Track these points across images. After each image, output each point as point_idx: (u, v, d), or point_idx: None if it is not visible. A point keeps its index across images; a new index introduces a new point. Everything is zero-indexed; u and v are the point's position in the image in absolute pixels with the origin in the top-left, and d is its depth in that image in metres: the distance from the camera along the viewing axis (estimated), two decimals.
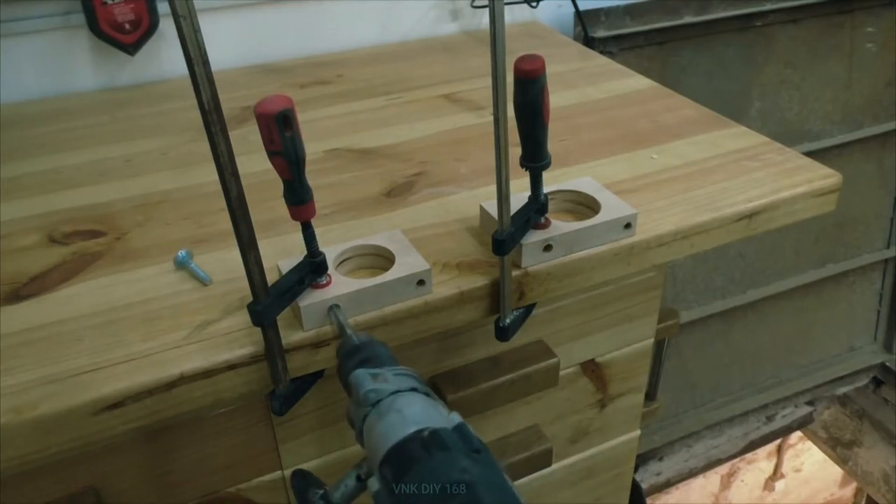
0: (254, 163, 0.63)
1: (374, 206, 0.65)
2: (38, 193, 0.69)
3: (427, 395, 0.42)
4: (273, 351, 0.49)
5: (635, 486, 1.38)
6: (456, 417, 0.39)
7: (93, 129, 0.81)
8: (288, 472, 0.62)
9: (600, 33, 1.15)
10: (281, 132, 0.43)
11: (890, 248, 1.68)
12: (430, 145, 0.76)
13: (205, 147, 0.42)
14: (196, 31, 0.38)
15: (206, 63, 0.39)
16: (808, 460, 2.18)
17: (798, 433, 1.88)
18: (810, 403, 1.75)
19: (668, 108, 0.82)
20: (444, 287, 0.54)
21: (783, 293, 1.59)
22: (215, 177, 0.43)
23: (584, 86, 0.88)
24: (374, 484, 0.38)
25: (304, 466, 0.63)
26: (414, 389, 0.41)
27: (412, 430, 0.38)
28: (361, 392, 0.42)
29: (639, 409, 0.83)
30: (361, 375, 0.43)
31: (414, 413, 0.39)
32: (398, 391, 0.41)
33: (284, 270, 0.50)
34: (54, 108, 0.87)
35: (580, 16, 1.12)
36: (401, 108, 0.84)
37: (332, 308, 0.50)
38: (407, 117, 0.82)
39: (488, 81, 0.46)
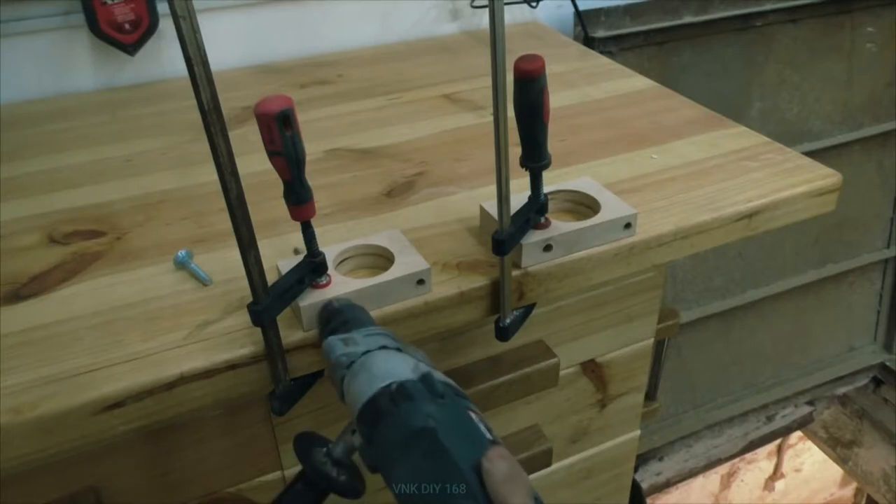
0: (254, 163, 0.63)
1: (374, 206, 0.65)
2: (38, 193, 0.69)
3: (399, 349, 0.43)
4: (273, 351, 0.49)
5: (635, 486, 1.38)
6: (423, 367, 0.41)
7: (93, 129, 0.81)
8: (288, 473, 0.62)
9: (600, 33, 1.15)
10: (281, 132, 0.43)
11: (890, 248, 1.68)
12: (430, 145, 0.76)
13: (205, 147, 0.42)
14: (196, 31, 0.38)
15: (205, 63, 0.39)
16: (808, 460, 2.18)
17: (798, 433, 1.88)
18: (810, 403, 1.75)
19: (668, 108, 0.82)
20: (443, 287, 0.54)
21: (783, 293, 1.59)
22: (215, 177, 0.43)
23: (584, 86, 0.88)
24: (357, 439, 0.42)
25: None
26: (384, 347, 0.43)
27: (380, 385, 0.40)
28: (333, 358, 0.44)
29: (639, 409, 0.83)
30: (332, 342, 0.45)
31: (381, 370, 0.41)
32: (368, 351, 0.43)
33: (284, 270, 0.50)
34: (54, 108, 0.87)
35: (580, 16, 1.12)
36: (401, 108, 0.84)
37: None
38: (407, 117, 0.82)
39: (488, 81, 0.46)
